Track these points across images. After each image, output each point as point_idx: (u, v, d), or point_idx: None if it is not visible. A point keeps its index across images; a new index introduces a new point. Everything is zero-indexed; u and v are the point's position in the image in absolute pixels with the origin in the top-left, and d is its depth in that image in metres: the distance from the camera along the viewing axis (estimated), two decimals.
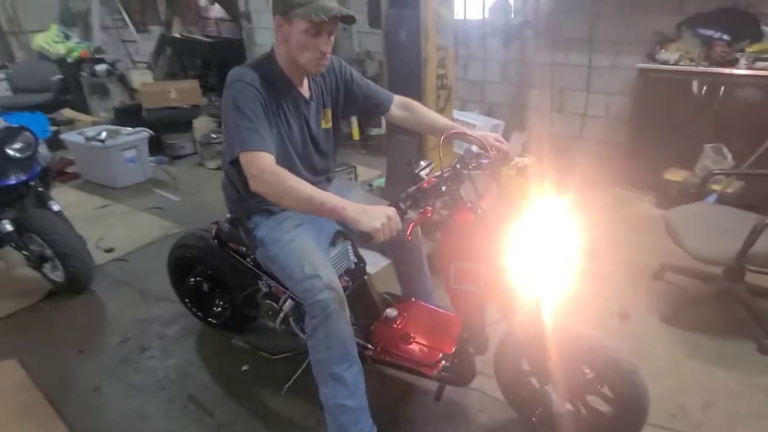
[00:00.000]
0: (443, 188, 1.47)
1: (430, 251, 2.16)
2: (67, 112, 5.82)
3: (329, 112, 1.77)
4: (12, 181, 2.51)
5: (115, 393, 2.03)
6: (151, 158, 4.52)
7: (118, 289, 2.76)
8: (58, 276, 2.64)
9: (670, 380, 1.96)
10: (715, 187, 3.09)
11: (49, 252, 2.56)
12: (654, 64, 3.35)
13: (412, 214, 1.44)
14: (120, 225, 3.53)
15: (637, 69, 3.42)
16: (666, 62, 3.28)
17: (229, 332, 2.26)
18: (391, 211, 1.33)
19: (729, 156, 3.09)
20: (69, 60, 6.25)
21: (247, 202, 1.68)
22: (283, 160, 1.62)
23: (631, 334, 2.23)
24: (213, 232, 2.00)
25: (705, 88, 3.16)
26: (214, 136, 4.95)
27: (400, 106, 1.86)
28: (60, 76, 6.18)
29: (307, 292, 1.54)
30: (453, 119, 3.46)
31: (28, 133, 2.57)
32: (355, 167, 3.96)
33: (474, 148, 1.65)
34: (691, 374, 2.00)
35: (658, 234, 2.36)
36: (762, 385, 1.93)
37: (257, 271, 1.93)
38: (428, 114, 1.87)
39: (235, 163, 1.46)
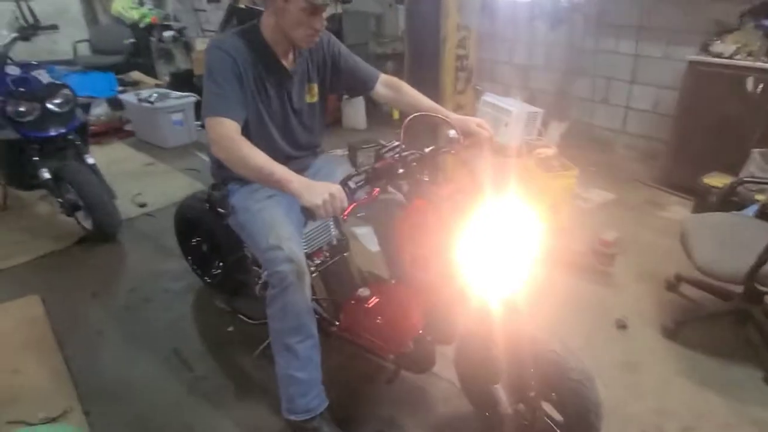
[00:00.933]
0: (400, 170, 1.40)
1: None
2: (135, 75, 6.15)
3: (315, 87, 1.73)
4: (52, 133, 2.68)
5: (114, 338, 2.16)
6: (197, 123, 4.68)
7: (141, 242, 2.92)
8: (89, 224, 2.83)
9: (653, 399, 1.81)
10: (759, 197, 2.76)
11: (81, 202, 2.73)
12: (707, 56, 3.01)
13: (360, 194, 1.38)
14: (158, 183, 3.71)
15: (687, 62, 3.08)
16: (720, 55, 2.94)
17: (223, 294, 2.33)
18: (336, 188, 1.28)
19: None
20: (141, 25, 6.56)
21: (225, 167, 1.69)
22: (259, 131, 1.61)
23: (624, 345, 2.07)
24: (206, 196, 2.04)
25: (761, 86, 2.80)
26: None
27: (386, 84, 1.79)
28: (132, 40, 6.51)
29: (269, 262, 1.54)
30: (475, 102, 3.33)
31: (67, 90, 2.73)
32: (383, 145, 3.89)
33: (452, 132, 1.56)
34: (679, 395, 1.83)
35: None
36: (757, 418, 1.73)
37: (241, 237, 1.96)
38: (413, 95, 1.78)
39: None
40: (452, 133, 1.59)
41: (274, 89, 1.60)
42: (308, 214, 1.30)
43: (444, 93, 2.61)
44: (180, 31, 6.61)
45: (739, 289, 2.07)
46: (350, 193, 1.32)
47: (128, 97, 4.54)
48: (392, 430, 1.70)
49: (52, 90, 2.68)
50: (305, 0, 1.41)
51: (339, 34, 4.69)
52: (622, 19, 3.58)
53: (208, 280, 2.39)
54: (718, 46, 2.97)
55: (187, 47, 6.58)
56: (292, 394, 1.59)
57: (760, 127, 2.85)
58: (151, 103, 4.28)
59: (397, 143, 1.51)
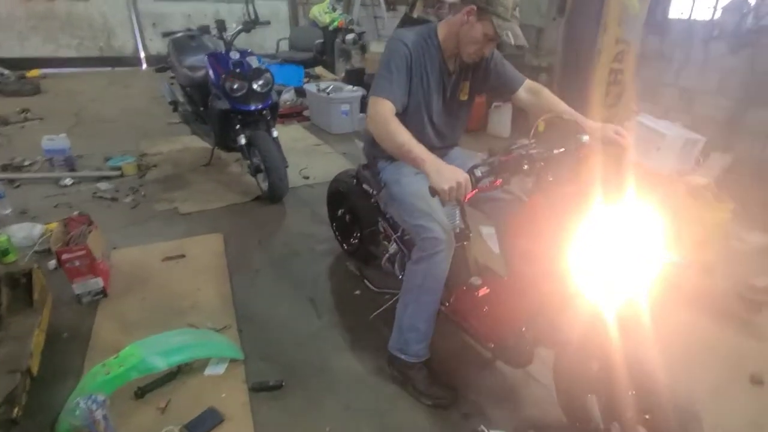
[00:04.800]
0: (525, 166, 1.36)
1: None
2: (318, 69, 6.80)
3: (467, 85, 1.77)
4: (251, 107, 3.13)
5: (267, 278, 2.47)
6: (361, 114, 5.02)
7: (300, 207, 3.26)
8: (265, 186, 3.25)
9: None
10: None
11: (262, 165, 3.15)
12: None
13: (485, 182, 1.37)
14: (320, 161, 4.08)
15: None
16: None
17: (357, 260, 2.51)
18: (464, 177, 1.31)
19: None
20: (330, 28, 7.21)
21: (377, 146, 1.82)
22: (414, 117, 1.70)
23: (758, 403, 1.75)
24: (355, 173, 2.21)
25: None
26: None
27: (528, 89, 1.76)
28: (321, 40, 7.21)
29: (421, 228, 1.63)
30: (625, 120, 3.00)
31: (269, 74, 3.16)
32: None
33: (585, 137, 1.47)
34: None
35: None
36: None
37: (378, 212, 2.09)
38: (552, 99, 1.71)
39: None
40: (585, 138, 1.49)
41: (435, 84, 1.68)
42: (433, 193, 1.34)
43: (592, 105, 2.43)
44: (360, 35, 7.10)
45: None
46: (475, 181, 1.33)
47: (310, 87, 5.05)
48: (477, 416, 1.68)
49: (257, 73, 3.11)
50: (494, 28, 1.48)
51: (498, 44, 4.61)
52: None
53: (346, 247, 2.59)
54: None
55: (363, 49, 7.05)
56: (408, 338, 1.71)
57: None
58: (327, 93, 4.70)
59: (528, 142, 1.48)
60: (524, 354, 1.59)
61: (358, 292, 2.35)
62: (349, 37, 6.96)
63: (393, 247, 2.05)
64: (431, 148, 1.76)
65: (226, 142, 3.36)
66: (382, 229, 2.17)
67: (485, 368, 1.86)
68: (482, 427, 1.43)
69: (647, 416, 1.27)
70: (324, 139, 4.65)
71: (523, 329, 1.57)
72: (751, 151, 3.41)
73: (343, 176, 2.45)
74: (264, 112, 3.23)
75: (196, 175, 3.71)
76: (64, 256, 2.03)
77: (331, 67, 7.11)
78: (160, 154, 4.07)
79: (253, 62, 3.22)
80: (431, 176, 1.35)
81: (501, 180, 1.37)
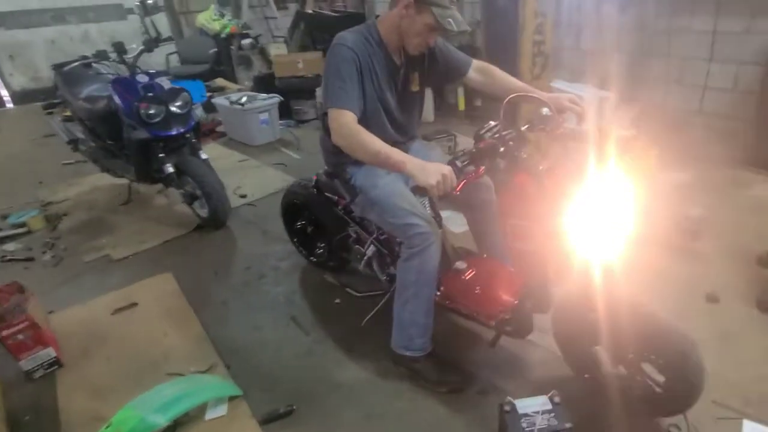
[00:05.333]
0: (501, 149, 1.49)
1: None
2: (219, 81, 6.56)
3: (416, 76, 1.86)
4: (173, 132, 2.98)
5: (238, 308, 2.41)
6: (280, 121, 4.96)
7: (247, 228, 3.19)
8: (204, 212, 3.12)
9: (754, 369, 1.80)
10: None
11: (198, 192, 3.02)
12: None
13: (468, 171, 1.48)
14: (252, 176, 3.99)
15: None
16: None
17: (328, 270, 2.53)
18: (447, 169, 1.40)
19: None
20: (222, 35, 6.98)
21: (342, 153, 1.85)
22: (373, 118, 1.75)
23: (717, 318, 2.06)
24: (313, 182, 2.22)
25: None
26: None
27: (478, 70, 1.89)
28: (215, 50, 6.95)
29: (409, 226, 1.69)
30: (550, 88, 3.31)
31: (186, 93, 3.03)
32: (455, 135, 3.98)
33: (545, 110, 1.63)
34: None
35: None
36: None
37: (346, 218, 2.14)
38: (505, 78, 1.87)
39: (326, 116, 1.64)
40: (545, 110, 1.66)
41: (386, 80, 1.74)
42: (421, 192, 1.43)
43: (522, 79, 2.65)
44: (256, 39, 6.97)
45: None
46: (458, 172, 1.44)
47: (221, 100, 4.88)
48: (493, 392, 1.80)
49: (173, 94, 2.97)
50: (435, 19, 1.55)
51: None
52: None
53: (313, 259, 2.59)
54: None
55: (263, 53, 6.93)
56: (412, 334, 1.79)
57: None
58: (242, 105, 4.58)
59: (494, 123, 1.60)
60: (525, 323, 1.74)
61: (338, 301, 2.38)
62: (246, 42, 6.81)
63: (371, 250, 2.10)
64: (395, 144, 1.84)
65: (148, 174, 3.17)
66: (354, 234, 2.21)
67: (487, 346, 1.98)
68: (508, 398, 1.54)
69: (652, 356, 1.46)
70: (248, 153, 4.54)
71: (517, 302, 1.71)
72: (654, 99, 3.91)
73: (297, 188, 2.44)
74: (187, 134, 3.10)
75: (117, 215, 3.46)
76: (5, 333, 1.84)
77: (231, 77, 6.90)
78: (67, 200, 3.73)
79: (165, 83, 3.07)
80: (416, 175, 1.43)
81: (483, 167, 1.49)
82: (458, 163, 1.44)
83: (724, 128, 3.62)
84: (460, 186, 1.43)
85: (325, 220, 2.33)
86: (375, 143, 1.54)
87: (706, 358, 1.41)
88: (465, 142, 4.10)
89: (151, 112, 2.88)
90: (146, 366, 2.03)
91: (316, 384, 1.90)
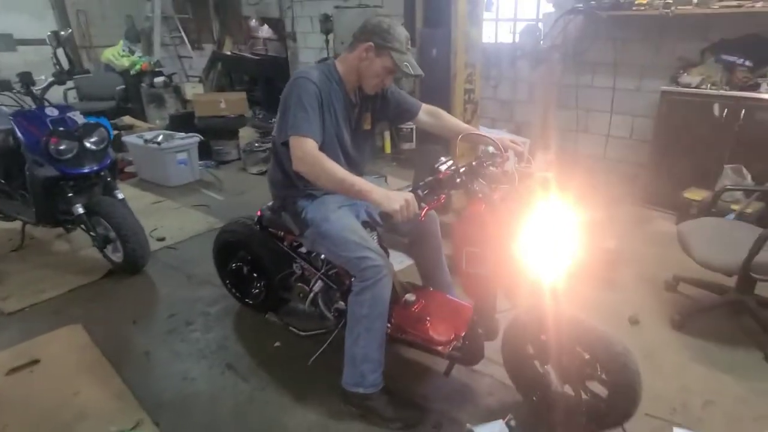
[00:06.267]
0: (458, 180, 1.65)
1: (450, 252, 2.31)
2: (127, 119, 6.30)
3: (369, 116, 2.00)
4: (86, 170, 2.82)
5: (163, 358, 2.26)
6: (200, 162, 4.86)
7: (168, 272, 3.03)
8: (117, 257, 2.93)
9: (675, 381, 2.05)
10: (735, 206, 3.15)
11: (112, 234, 2.85)
12: (677, 87, 3.45)
13: (432, 199, 1.61)
14: (171, 218, 3.83)
15: (660, 92, 3.52)
16: (688, 85, 3.38)
17: (264, 313, 2.48)
18: (410, 196, 1.52)
19: (748, 177, 3.15)
20: (132, 72, 6.79)
21: (294, 186, 1.90)
22: (329, 152, 1.83)
23: (640, 338, 2.31)
24: (256, 218, 2.22)
25: (726, 110, 3.24)
26: (257, 144, 5.27)
27: (427, 112, 2.07)
28: (122, 86, 6.72)
29: (362, 259, 1.75)
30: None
31: (102, 129, 2.91)
32: (385, 177, 4.18)
33: (490, 149, 1.83)
34: (696, 377, 2.07)
35: (676, 249, 2.43)
36: (765, 390, 1.99)
37: (292, 254, 2.15)
38: (452, 120, 2.07)
39: (285, 145, 1.70)
40: (490, 148, 1.86)
41: (343, 117, 1.85)
42: (387, 218, 1.52)
43: None
44: (170, 77, 6.86)
45: (731, 282, 2.38)
46: (420, 200, 1.56)
47: (132, 139, 4.69)
48: (447, 424, 1.86)
49: (89, 129, 2.84)
50: (394, 63, 1.73)
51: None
52: (598, 57, 4.04)
53: (249, 301, 2.53)
54: (685, 78, 3.42)
55: (177, 92, 6.82)
56: (364, 370, 1.81)
57: (728, 146, 3.27)
58: (158, 143, 4.44)
59: (445, 159, 1.77)
60: (477, 350, 1.84)
61: (278, 344, 2.33)
62: (159, 80, 6.69)
63: (318, 286, 2.12)
64: None
65: (52, 215, 2.94)
66: (299, 271, 2.21)
67: (438, 378, 2.05)
68: (468, 425, 1.61)
69: (597, 368, 1.63)
70: (163, 195, 4.37)
71: (464, 332, 1.82)
72: (565, 145, 4.43)
73: (234, 226, 2.42)
74: (102, 173, 2.95)
75: (7, 264, 3.12)
76: None
77: (140, 116, 6.66)
78: None
79: (78, 117, 2.94)
80: (382, 202, 1.53)
81: (444, 195, 1.63)
82: (419, 192, 1.56)
83: (625, 172, 4.19)
84: (424, 212, 1.55)
85: (266, 259, 2.31)
86: (340, 171, 1.63)
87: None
88: (395, 183, 4.30)
89: (62, 147, 2.72)
90: (56, 430, 1.82)
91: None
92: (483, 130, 4.45)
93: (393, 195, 1.54)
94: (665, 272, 2.76)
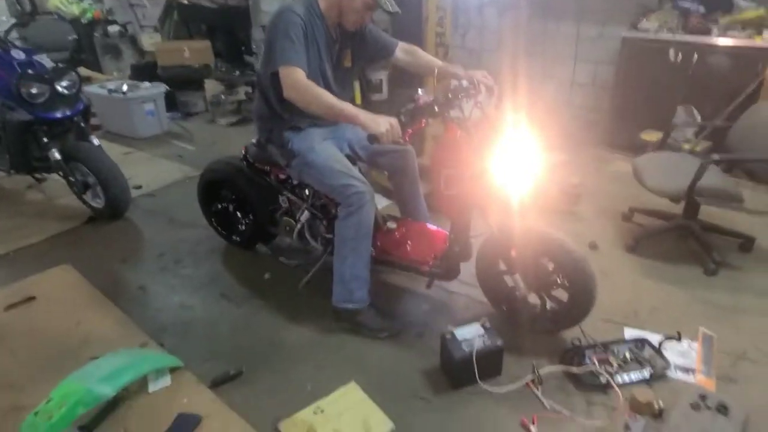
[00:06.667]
0: (436, 109, 1.83)
1: (427, 191, 2.50)
2: (83, 70, 6.11)
3: (349, 53, 2.12)
4: (59, 114, 2.85)
5: (159, 291, 2.42)
6: (170, 113, 4.85)
7: (150, 217, 3.14)
8: (98, 203, 3.01)
9: (627, 293, 2.35)
10: (685, 145, 3.47)
11: (91, 179, 2.92)
12: (636, 33, 3.69)
13: (413, 124, 1.80)
14: (144, 168, 3.88)
15: (621, 38, 3.75)
16: (647, 31, 3.63)
17: (251, 249, 2.65)
18: (394, 120, 1.71)
19: (698, 116, 3.46)
20: (83, 21, 6.52)
21: (280, 119, 2.03)
22: None
23: (599, 261, 2.59)
24: (242, 154, 2.35)
25: (680, 55, 3.51)
26: (224, 97, 5.29)
27: (403, 50, 2.22)
28: (75, 36, 6.47)
29: (346, 186, 1.93)
30: None
31: (74, 73, 2.91)
32: None
33: (464, 83, 2.01)
34: (645, 290, 2.39)
35: (633, 186, 2.70)
36: (702, 298, 2.32)
37: (279, 187, 2.31)
38: (428, 57, 2.23)
39: (274, 77, 1.82)
40: (464, 83, 2.04)
41: (325, 52, 1.98)
42: (374, 140, 1.70)
43: None
44: (125, 26, 6.65)
45: (679, 210, 2.69)
46: (404, 124, 1.74)
47: (95, 89, 4.62)
48: (428, 333, 2.10)
49: (59, 72, 2.85)
50: (374, 1, 1.84)
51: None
52: (563, 3, 4.22)
53: (236, 238, 2.68)
54: (644, 24, 3.66)
55: (134, 42, 6.63)
56: (352, 287, 2.02)
57: (682, 89, 3.56)
58: (124, 93, 4.40)
59: (422, 91, 1.95)
60: (454, 267, 2.08)
61: (267, 275, 2.51)
62: (113, 29, 6.49)
63: (305, 216, 2.30)
64: None
65: (27, 162, 2.96)
66: (285, 204, 2.38)
67: (418, 298, 2.29)
68: (449, 327, 1.86)
69: (559, 274, 1.90)
70: (133, 146, 4.38)
71: (447, 246, 2.06)
72: (531, 92, 4.65)
73: (219, 165, 2.53)
74: (76, 118, 2.97)
75: None
76: None
77: (95, 67, 6.47)
78: None
79: (45, 61, 2.93)
80: (369, 125, 1.70)
81: (424, 121, 1.81)
82: (402, 118, 1.74)
83: (588, 117, 4.46)
84: (408, 134, 1.73)
85: (252, 194, 2.45)
86: (330, 96, 1.78)
87: None
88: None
89: (34, 91, 2.73)
90: (64, 353, 1.98)
91: (260, 348, 2.04)
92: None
93: (379, 118, 1.71)
94: (622, 205, 3.06)
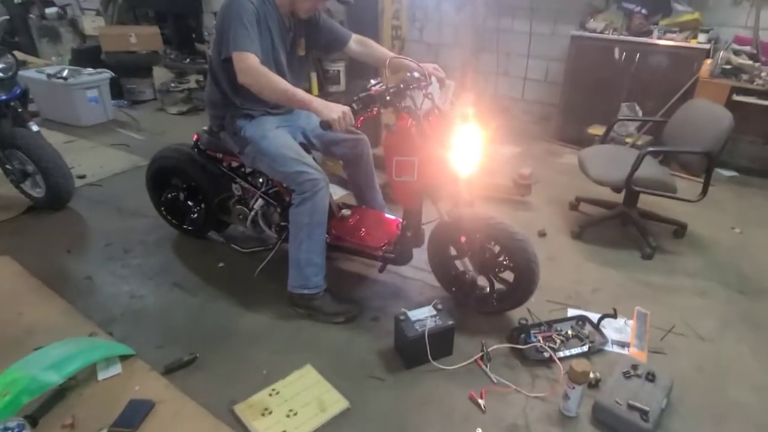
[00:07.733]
0: (387, 98, 1.93)
1: (384, 182, 2.59)
2: (18, 54, 5.85)
3: (302, 41, 2.19)
4: None
5: (107, 281, 2.40)
6: (115, 101, 4.73)
7: (96, 207, 3.09)
8: (38, 192, 2.94)
9: (571, 276, 2.54)
10: (628, 139, 3.73)
11: (30, 168, 2.85)
12: (584, 32, 3.92)
13: (365, 112, 1.88)
14: (88, 157, 3.79)
15: (570, 36, 3.98)
16: (594, 30, 3.86)
17: (203, 238, 2.66)
18: (346, 108, 1.78)
19: (640, 112, 3.73)
20: (16, 1, 6.24)
21: (233, 106, 2.07)
22: None
23: (546, 246, 2.79)
24: (193, 142, 2.37)
25: (624, 54, 3.76)
26: (173, 85, 5.21)
27: (357, 42, 2.30)
28: (6, 17, 6.18)
29: (300, 173, 2.00)
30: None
31: (10, 55, 2.83)
32: None
33: (415, 74, 2.12)
34: (587, 272, 2.58)
35: (580, 177, 2.89)
36: (639, 279, 2.53)
37: (232, 174, 2.35)
38: (381, 49, 2.32)
39: (226, 63, 1.86)
40: (415, 74, 2.15)
41: (279, 40, 2.03)
42: (326, 126, 1.77)
43: None
44: (63, 8, 6.41)
45: (620, 199, 2.91)
46: (356, 111, 1.83)
47: (32, 74, 4.45)
48: (383, 317, 2.20)
49: None
50: None
51: None
52: (518, 1, 4.42)
53: (188, 227, 2.69)
54: (591, 24, 3.90)
55: (74, 25, 6.40)
56: (308, 273, 2.09)
57: (626, 86, 3.82)
58: (65, 79, 4.27)
59: (374, 81, 2.04)
60: (406, 252, 2.19)
61: (221, 264, 2.54)
62: (51, 11, 6.24)
63: (258, 204, 2.34)
64: None
65: None
66: (238, 192, 2.41)
67: (372, 283, 2.39)
68: (403, 309, 1.96)
69: (504, 257, 2.04)
70: (75, 134, 4.27)
71: (399, 232, 2.16)
72: (487, 87, 4.85)
73: (169, 152, 2.54)
74: (12, 103, 2.89)
75: None
76: None
77: (31, 51, 6.21)
78: None
79: None
80: (321, 111, 1.77)
81: (376, 109, 1.90)
82: (354, 106, 1.82)
83: (540, 112, 4.70)
84: (359, 121, 1.82)
85: (204, 182, 2.47)
86: (283, 82, 1.84)
87: (540, 274, 2.03)
88: None
89: None
90: (6, 343, 1.95)
91: (215, 335, 2.08)
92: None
93: (332, 105, 1.78)
94: (570, 195, 3.27)
